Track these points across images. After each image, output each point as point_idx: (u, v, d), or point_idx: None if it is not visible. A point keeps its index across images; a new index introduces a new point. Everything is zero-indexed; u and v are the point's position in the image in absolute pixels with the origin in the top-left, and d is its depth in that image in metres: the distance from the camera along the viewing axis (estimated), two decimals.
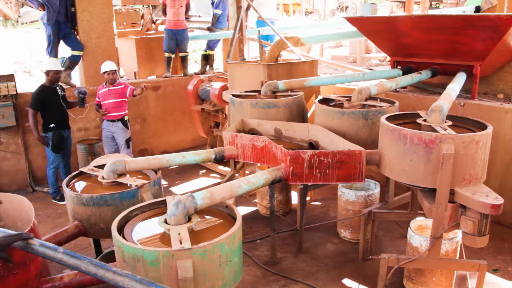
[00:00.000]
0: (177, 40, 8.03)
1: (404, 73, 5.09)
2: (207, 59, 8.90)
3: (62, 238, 3.25)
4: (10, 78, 6.02)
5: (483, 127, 3.22)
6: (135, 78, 7.92)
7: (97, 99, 5.96)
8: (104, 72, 5.83)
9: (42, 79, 5.78)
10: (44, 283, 2.82)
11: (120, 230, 2.70)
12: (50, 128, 5.53)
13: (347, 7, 24.20)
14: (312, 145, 4.21)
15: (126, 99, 5.97)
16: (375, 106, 4.23)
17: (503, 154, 4.57)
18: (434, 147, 2.94)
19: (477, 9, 6.30)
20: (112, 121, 5.93)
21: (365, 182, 4.14)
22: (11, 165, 6.25)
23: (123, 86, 5.91)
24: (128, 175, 3.67)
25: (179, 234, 2.54)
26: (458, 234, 3.48)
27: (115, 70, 5.86)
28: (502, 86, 5.18)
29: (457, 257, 3.55)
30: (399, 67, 5.43)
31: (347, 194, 4.42)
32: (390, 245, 4.47)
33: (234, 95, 4.98)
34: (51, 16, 6.45)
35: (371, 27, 5.47)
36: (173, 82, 7.83)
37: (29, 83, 9.92)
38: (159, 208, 3.00)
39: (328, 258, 4.23)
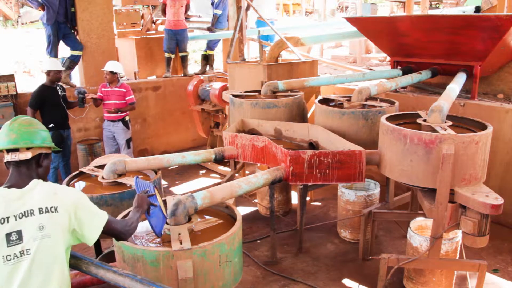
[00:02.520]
0: (177, 40, 8.03)
1: (404, 73, 5.09)
2: (207, 59, 8.89)
3: None
4: (10, 78, 6.02)
5: (483, 127, 3.22)
6: (135, 78, 7.92)
7: (99, 93, 5.93)
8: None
9: (42, 79, 5.78)
10: None
11: None
12: (49, 128, 5.52)
13: (347, 7, 24.18)
14: (312, 145, 4.21)
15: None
16: (375, 106, 4.23)
17: (503, 154, 4.57)
18: (434, 147, 2.94)
19: (477, 9, 6.30)
20: (113, 121, 5.93)
21: (365, 182, 4.14)
22: None
23: (125, 90, 5.89)
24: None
25: (179, 234, 2.54)
26: (458, 234, 3.48)
27: (111, 72, 5.78)
28: (502, 86, 5.19)
29: (457, 257, 3.55)
30: (399, 67, 5.43)
31: (347, 194, 4.42)
32: (390, 245, 4.47)
33: (234, 95, 4.98)
34: (50, 16, 6.45)
35: (371, 27, 5.47)
36: (173, 82, 7.83)
37: (29, 83, 9.92)
38: None
39: (328, 258, 4.23)
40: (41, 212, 1.84)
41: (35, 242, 1.81)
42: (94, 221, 2.00)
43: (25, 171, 1.94)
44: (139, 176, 3.07)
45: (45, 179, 2.00)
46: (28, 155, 1.93)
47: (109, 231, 2.08)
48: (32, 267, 1.80)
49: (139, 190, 2.54)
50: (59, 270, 1.87)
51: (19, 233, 1.80)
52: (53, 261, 1.85)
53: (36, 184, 1.91)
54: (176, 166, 6.62)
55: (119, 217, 2.81)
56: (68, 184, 3.59)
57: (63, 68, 6.01)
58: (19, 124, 1.99)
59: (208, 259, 2.43)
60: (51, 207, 1.87)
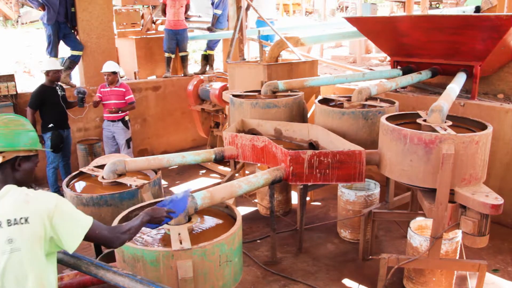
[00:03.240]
0: (177, 40, 8.03)
1: (404, 73, 5.09)
2: (207, 59, 8.89)
3: None
4: (10, 78, 6.02)
5: (483, 127, 3.22)
6: (135, 78, 7.92)
7: (98, 94, 5.94)
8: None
9: (42, 79, 5.78)
10: None
11: None
12: (49, 128, 5.52)
13: (347, 7, 24.19)
14: (312, 145, 4.21)
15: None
16: (375, 106, 4.23)
17: (503, 154, 4.57)
18: (434, 147, 2.94)
19: (477, 9, 6.29)
20: (113, 121, 5.92)
21: (365, 182, 4.14)
22: None
23: (124, 90, 5.90)
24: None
25: (179, 234, 2.54)
26: (458, 234, 3.48)
27: (113, 72, 5.81)
28: (502, 86, 5.18)
29: (457, 257, 3.55)
30: (399, 67, 5.43)
31: (347, 194, 4.42)
32: (390, 245, 4.47)
33: (234, 95, 4.98)
34: (51, 16, 6.45)
35: (371, 27, 5.47)
36: (173, 82, 7.83)
37: (29, 83, 9.92)
38: None
39: (328, 258, 4.23)
40: (9, 224, 1.70)
41: (3, 256, 1.69)
42: (74, 228, 1.84)
43: None
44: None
45: (25, 184, 1.88)
46: None
47: (93, 238, 1.91)
48: (3, 281, 1.70)
49: (174, 205, 2.37)
50: (35, 281, 1.74)
51: None
52: (26, 274, 1.72)
53: (7, 191, 1.77)
54: (176, 166, 6.62)
55: (119, 217, 2.80)
56: (68, 184, 3.59)
57: (62, 68, 6.01)
58: None
59: (208, 259, 2.43)
60: (21, 218, 1.71)
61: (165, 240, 2.62)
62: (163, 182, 6.25)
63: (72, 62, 6.75)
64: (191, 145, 8.13)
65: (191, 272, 2.36)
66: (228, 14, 8.45)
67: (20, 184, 1.84)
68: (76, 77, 7.29)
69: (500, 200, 2.77)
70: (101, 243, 1.99)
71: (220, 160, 4.14)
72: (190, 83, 7.10)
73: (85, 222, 1.88)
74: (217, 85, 6.58)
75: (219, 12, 8.70)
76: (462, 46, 4.62)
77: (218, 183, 3.86)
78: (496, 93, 5.23)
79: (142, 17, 9.06)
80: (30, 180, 1.94)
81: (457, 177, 2.95)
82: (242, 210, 5.31)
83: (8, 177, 1.83)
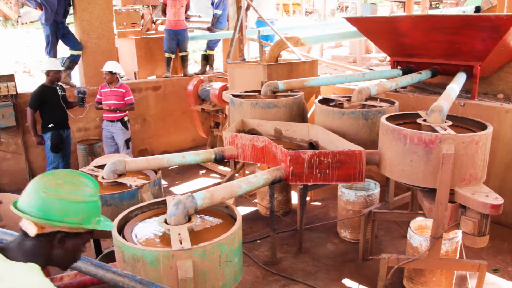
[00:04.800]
0: (178, 40, 8.03)
1: (404, 73, 5.09)
2: (207, 59, 8.90)
3: None
4: (10, 78, 6.02)
5: (483, 127, 3.22)
6: (135, 78, 7.92)
7: (98, 96, 5.95)
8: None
9: (42, 79, 5.78)
10: None
11: (120, 230, 2.70)
12: (49, 128, 5.52)
13: (347, 7, 24.19)
14: (312, 145, 4.21)
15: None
16: (375, 106, 4.23)
17: (503, 154, 4.56)
18: (434, 147, 2.94)
19: (477, 9, 6.29)
20: (112, 121, 5.92)
21: (365, 182, 4.14)
22: (11, 165, 6.24)
23: (124, 91, 5.89)
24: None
25: (179, 234, 2.54)
26: (458, 234, 3.48)
27: (110, 72, 5.79)
28: (502, 86, 5.18)
29: (457, 257, 3.55)
30: (399, 67, 5.43)
31: (347, 194, 4.42)
32: (390, 245, 4.47)
33: (234, 95, 4.98)
34: (49, 16, 6.45)
35: (371, 27, 5.47)
36: (173, 82, 7.83)
37: (29, 83, 9.92)
38: (159, 208, 3.00)
39: (328, 258, 4.23)
40: None
41: None
42: None
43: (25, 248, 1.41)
44: None
45: (62, 265, 1.50)
46: (31, 229, 1.38)
47: None
48: None
49: None
50: None
51: None
52: None
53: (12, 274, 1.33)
54: (176, 166, 6.62)
55: (119, 217, 2.80)
56: None
57: (63, 68, 6.01)
58: (45, 185, 1.42)
59: (208, 259, 2.43)
60: None
61: (165, 240, 2.62)
62: (163, 182, 6.25)
63: (71, 62, 6.75)
64: (191, 145, 8.12)
65: (191, 272, 2.36)
66: (228, 14, 8.45)
67: (54, 264, 1.46)
68: (76, 77, 7.29)
69: (500, 200, 2.77)
70: None
71: (220, 160, 4.14)
72: (190, 83, 7.10)
73: None
74: (217, 85, 6.59)
75: (219, 12, 8.70)
76: (462, 46, 4.62)
77: (218, 183, 3.86)
78: (496, 93, 5.22)
79: (142, 17, 9.06)
80: (72, 261, 1.52)
81: (457, 177, 2.95)
82: (242, 210, 5.31)
83: (40, 252, 1.41)
